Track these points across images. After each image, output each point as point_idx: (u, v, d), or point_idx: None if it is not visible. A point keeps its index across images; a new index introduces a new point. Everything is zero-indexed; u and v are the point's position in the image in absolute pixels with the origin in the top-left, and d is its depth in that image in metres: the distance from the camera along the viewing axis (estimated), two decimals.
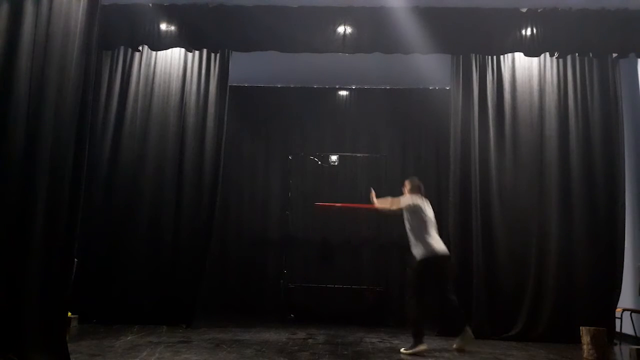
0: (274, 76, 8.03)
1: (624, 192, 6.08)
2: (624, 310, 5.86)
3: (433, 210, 5.24)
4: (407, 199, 5.18)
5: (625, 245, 5.99)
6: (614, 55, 6.30)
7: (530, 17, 6.17)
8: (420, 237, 4.99)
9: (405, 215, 5.14)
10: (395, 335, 5.94)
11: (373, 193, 5.47)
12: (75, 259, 4.14)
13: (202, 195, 6.39)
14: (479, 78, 6.50)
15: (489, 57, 6.55)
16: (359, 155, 8.23)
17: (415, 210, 5.08)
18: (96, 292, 6.05)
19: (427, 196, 5.35)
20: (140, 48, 6.59)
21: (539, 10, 6.16)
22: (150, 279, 6.21)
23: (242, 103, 8.04)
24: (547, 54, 6.41)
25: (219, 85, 6.59)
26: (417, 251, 4.98)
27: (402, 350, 4.85)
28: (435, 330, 6.11)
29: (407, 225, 5.13)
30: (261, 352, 4.67)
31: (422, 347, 4.77)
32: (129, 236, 6.32)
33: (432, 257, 4.90)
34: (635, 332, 5.83)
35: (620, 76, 6.34)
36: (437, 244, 4.99)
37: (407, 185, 5.34)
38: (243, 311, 7.46)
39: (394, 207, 5.20)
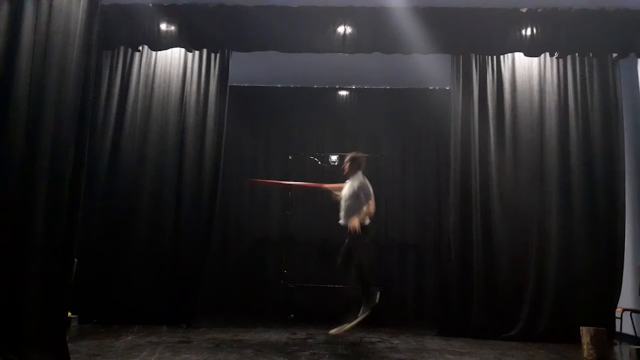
0: (274, 76, 8.02)
1: (624, 191, 6.08)
2: (624, 310, 5.86)
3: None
4: (359, 181, 5.23)
5: (625, 245, 5.98)
6: (614, 55, 6.29)
7: (530, 17, 6.17)
8: (359, 211, 5.13)
9: (352, 195, 5.22)
10: (395, 335, 5.93)
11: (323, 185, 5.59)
12: (75, 259, 4.14)
13: (202, 195, 6.39)
14: (479, 78, 6.50)
15: (489, 57, 6.55)
16: None
17: (365, 190, 5.19)
18: (96, 292, 6.05)
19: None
20: (140, 48, 6.59)
21: (539, 10, 6.15)
22: (150, 279, 6.21)
23: (242, 103, 8.04)
24: (547, 54, 6.41)
25: (219, 85, 6.59)
26: (357, 220, 5.08)
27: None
28: (435, 330, 6.11)
29: (346, 201, 5.23)
30: (261, 352, 4.67)
31: (375, 298, 4.95)
32: (129, 236, 6.31)
33: (366, 227, 5.16)
34: (635, 332, 5.83)
35: (620, 76, 6.34)
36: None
37: (353, 164, 5.36)
38: (243, 311, 7.45)
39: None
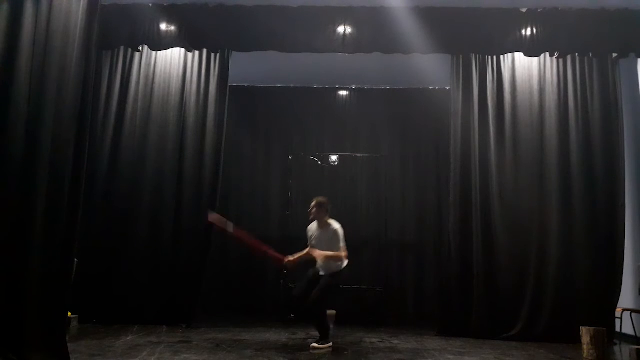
0: (274, 76, 8.02)
1: (624, 192, 6.07)
2: (624, 310, 5.86)
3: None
4: (339, 230, 5.09)
5: (625, 246, 5.98)
6: (614, 55, 6.29)
7: (530, 17, 6.17)
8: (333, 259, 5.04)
9: (326, 237, 5.10)
10: (395, 335, 5.93)
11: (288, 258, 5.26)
12: (75, 259, 4.14)
13: (202, 195, 6.39)
14: (479, 78, 6.50)
15: (489, 57, 6.55)
16: (359, 155, 8.23)
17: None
18: (96, 292, 6.05)
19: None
20: (140, 48, 6.59)
21: (539, 10, 6.15)
22: (150, 279, 6.22)
23: (242, 103, 8.04)
24: (547, 54, 6.41)
25: (219, 85, 6.59)
26: (334, 265, 5.02)
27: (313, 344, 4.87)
28: (435, 330, 6.11)
29: (323, 245, 5.09)
30: (261, 352, 4.67)
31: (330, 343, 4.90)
32: (129, 236, 6.31)
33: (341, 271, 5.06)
34: (635, 332, 5.83)
35: (620, 76, 6.33)
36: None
37: (320, 208, 5.18)
38: (243, 311, 7.45)
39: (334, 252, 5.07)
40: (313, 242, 5.20)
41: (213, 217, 5.53)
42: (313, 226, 5.28)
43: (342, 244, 5.05)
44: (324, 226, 5.16)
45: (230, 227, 5.41)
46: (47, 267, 3.61)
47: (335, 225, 5.13)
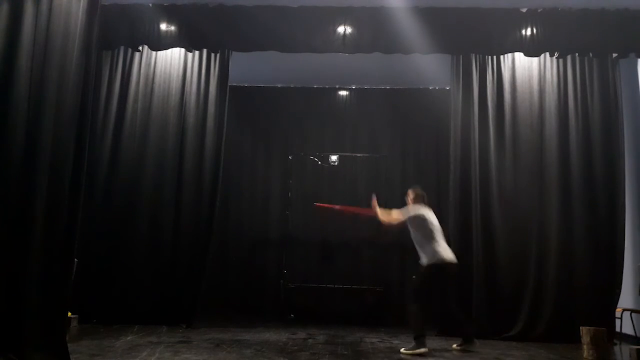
0: (274, 76, 8.02)
1: (624, 192, 6.08)
2: (624, 310, 5.86)
3: (434, 213, 5.23)
4: (411, 210, 5.16)
5: (625, 245, 5.98)
6: (614, 55, 6.29)
7: (530, 17, 6.17)
8: (428, 245, 5.00)
9: (411, 225, 5.13)
10: (395, 335, 5.93)
11: (375, 199, 5.36)
12: (75, 259, 4.14)
13: (202, 195, 6.39)
14: (479, 78, 6.49)
15: (489, 57, 6.55)
16: (359, 155, 8.23)
17: (421, 220, 5.07)
18: (96, 292, 6.05)
19: (430, 204, 5.32)
20: (140, 48, 6.59)
21: (539, 10, 6.16)
22: (150, 279, 6.22)
23: (242, 103, 8.04)
24: (547, 54, 6.41)
25: (219, 85, 6.59)
26: (425, 258, 5.02)
27: (402, 350, 4.86)
28: (435, 330, 6.11)
29: (413, 235, 5.14)
30: (261, 352, 4.67)
31: (422, 350, 4.78)
32: (129, 236, 6.31)
33: (440, 264, 4.95)
34: (635, 332, 5.83)
35: (620, 76, 6.34)
36: (445, 251, 5.02)
37: (411, 195, 5.30)
38: (243, 311, 7.45)
39: (399, 219, 5.16)
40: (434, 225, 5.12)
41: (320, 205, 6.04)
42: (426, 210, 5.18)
43: (404, 216, 5.05)
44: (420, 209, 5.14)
45: (336, 207, 6.05)
46: (47, 267, 3.61)
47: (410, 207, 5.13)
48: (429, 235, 5.03)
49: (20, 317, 3.49)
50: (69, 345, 3.73)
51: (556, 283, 5.93)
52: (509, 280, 6.05)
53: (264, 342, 5.25)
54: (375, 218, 5.33)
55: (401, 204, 8.04)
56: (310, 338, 5.54)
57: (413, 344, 4.82)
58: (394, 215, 5.22)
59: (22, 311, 3.50)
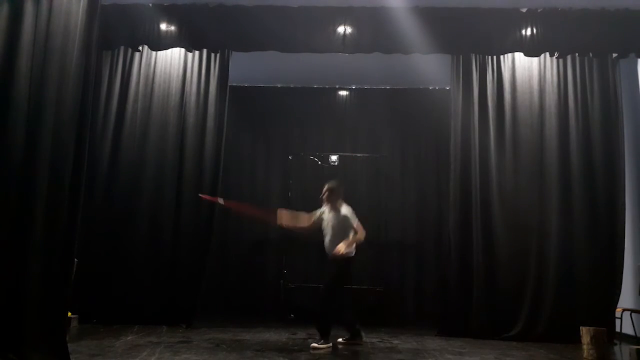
0: (274, 76, 8.02)
1: (624, 192, 6.08)
2: (624, 310, 5.86)
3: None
4: (342, 210, 5.13)
5: (625, 245, 5.98)
6: (614, 55, 6.30)
7: (530, 17, 6.18)
8: (345, 239, 5.02)
9: (332, 222, 5.14)
10: (395, 335, 5.93)
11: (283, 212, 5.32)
12: (75, 259, 4.14)
13: None
14: (479, 78, 6.49)
15: (489, 57, 6.54)
16: (359, 155, 8.23)
17: (347, 219, 5.08)
18: (96, 292, 6.05)
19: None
20: (140, 48, 6.59)
21: (539, 10, 6.16)
22: (150, 279, 6.22)
23: (242, 103, 8.03)
24: (547, 54, 6.41)
25: (219, 85, 6.59)
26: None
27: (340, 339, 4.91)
28: (435, 330, 6.11)
29: (330, 229, 5.13)
30: (261, 352, 4.67)
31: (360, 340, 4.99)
32: (129, 236, 6.31)
33: (352, 257, 5.09)
34: (635, 332, 5.83)
35: (620, 76, 6.34)
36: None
37: (331, 192, 5.21)
38: (243, 311, 7.45)
39: (308, 225, 5.20)
40: (324, 225, 5.18)
41: (205, 195, 5.76)
42: (325, 209, 5.24)
43: (355, 223, 5.05)
44: (335, 210, 5.16)
45: (221, 200, 5.71)
46: (47, 267, 3.61)
47: (345, 209, 5.13)
48: (348, 231, 5.05)
49: (20, 317, 3.49)
50: (69, 345, 3.74)
51: (556, 283, 5.93)
52: (508, 280, 6.05)
53: (264, 342, 5.25)
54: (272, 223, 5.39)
55: (401, 203, 8.18)
56: (310, 338, 5.54)
57: (322, 340, 4.87)
58: (304, 219, 5.25)
59: (22, 311, 3.51)
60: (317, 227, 5.28)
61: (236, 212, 6.13)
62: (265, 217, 5.50)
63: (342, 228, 5.07)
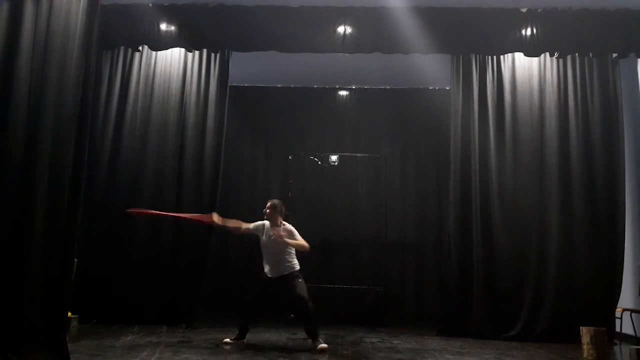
0: (274, 76, 8.03)
1: (624, 192, 6.08)
2: (624, 310, 5.86)
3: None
4: (286, 227, 5.13)
5: (625, 245, 5.98)
6: (614, 55, 6.30)
7: (530, 17, 6.18)
8: (291, 253, 5.15)
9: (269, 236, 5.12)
10: (395, 335, 5.93)
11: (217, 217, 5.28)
12: (75, 259, 4.14)
13: (202, 195, 6.39)
14: (479, 78, 6.50)
15: (489, 57, 6.55)
16: (359, 155, 8.23)
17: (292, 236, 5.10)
18: (96, 292, 6.05)
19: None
20: (140, 48, 6.60)
21: (539, 10, 6.16)
22: (150, 279, 6.22)
23: (242, 103, 8.04)
24: (547, 54, 6.41)
25: (219, 85, 6.59)
26: (294, 263, 5.17)
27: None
28: (435, 330, 6.11)
29: (275, 248, 5.12)
30: (261, 352, 4.67)
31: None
32: (129, 236, 6.32)
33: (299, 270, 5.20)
34: (635, 332, 5.83)
35: (620, 76, 6.34)
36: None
37: (276, 210, 5.16)
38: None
39: (246, 229, 5.19)
40: (264, 238, 5.13)
41: (133, 211, 5.60)
42: (266, 224, 5.17)
43: (299, 238, 5.09)
44: (276, 226, 5.11)
45: (150, 211, 5.62)
46: (47, 267, 3.61)
47: (289, 226, 5.13)
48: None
49: (20, 317, 3.49)
50: (69, 345, 3.73)
51: (556, 283, 5.94)
52: (509, 280, 6.06)
53: (264, 342, 5.25)
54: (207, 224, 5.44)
55: (401, 203, 8.18)
56: (310, 338, 5.53)
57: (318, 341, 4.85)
58: (239, 224, 5.24)
59: (22, 311, 3.50)
60: (251, 236, 5.24)
61: (170, 220, 6.04)
62: (199, 219, 5.48)
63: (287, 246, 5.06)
